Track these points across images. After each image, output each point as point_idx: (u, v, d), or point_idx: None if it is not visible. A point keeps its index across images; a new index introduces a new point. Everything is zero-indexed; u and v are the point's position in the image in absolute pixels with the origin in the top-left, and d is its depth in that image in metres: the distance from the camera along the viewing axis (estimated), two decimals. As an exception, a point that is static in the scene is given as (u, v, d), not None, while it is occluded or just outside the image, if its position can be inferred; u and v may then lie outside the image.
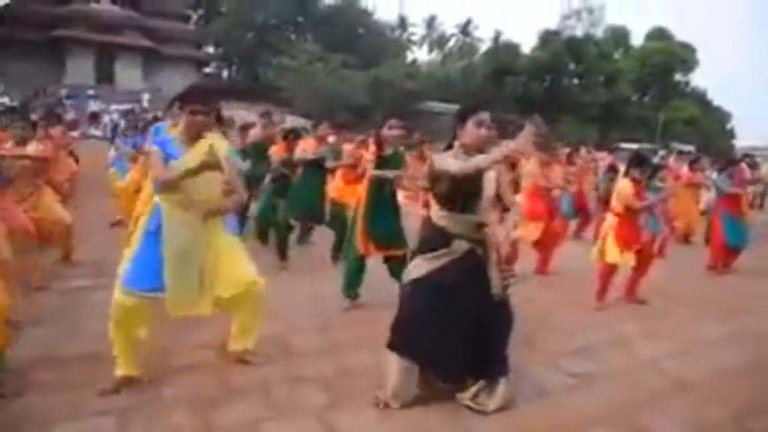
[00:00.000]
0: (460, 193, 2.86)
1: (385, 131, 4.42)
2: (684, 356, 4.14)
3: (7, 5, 31.01)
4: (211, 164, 2.89)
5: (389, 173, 4.33)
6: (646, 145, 28.88)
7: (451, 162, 2.79)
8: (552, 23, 47.33)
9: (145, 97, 30.62)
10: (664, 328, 4.73)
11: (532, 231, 6.08)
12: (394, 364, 3.00)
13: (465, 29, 52.61)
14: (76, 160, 9.67)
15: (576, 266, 6.21)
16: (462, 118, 2.92)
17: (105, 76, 31.33)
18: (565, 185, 6.85)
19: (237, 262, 3.15)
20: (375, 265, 4.59)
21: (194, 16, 41.14)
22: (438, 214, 2.97)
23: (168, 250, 2.92)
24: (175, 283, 2.94)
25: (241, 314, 3.30)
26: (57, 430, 2.67)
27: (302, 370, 3.41)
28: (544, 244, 6.23)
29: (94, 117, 22.51)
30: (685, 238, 9.01)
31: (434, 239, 2.97)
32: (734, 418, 3.22)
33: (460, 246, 2.90)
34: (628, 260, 5.12)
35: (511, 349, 3.28)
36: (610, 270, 5.14)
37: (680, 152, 12.34)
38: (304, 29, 44.15)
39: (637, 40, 47.44)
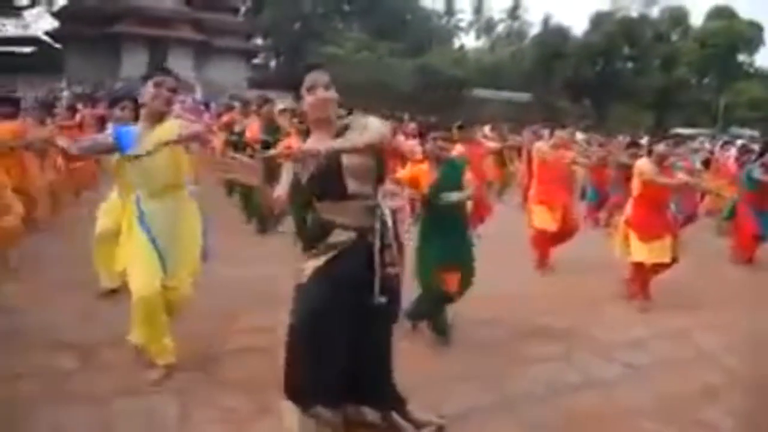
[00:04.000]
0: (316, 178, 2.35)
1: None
2: (739, 349, 4.00)
3: (68, 4, 32.24)
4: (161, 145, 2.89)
5: None
6: (705, 131, 27.70)
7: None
8: (604, 5, 45.78)
9: (198, 88, 31.34)
10: (719, 321, 4.56)
11: (550, 220, 5.61)
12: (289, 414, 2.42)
13: (513, 13, 51.52)
14: None
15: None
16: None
17: (159, 69, 32.17)
18: (583, 161, 6.56)
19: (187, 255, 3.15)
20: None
21: (243, 8, 41.72)
22: (318, 204, 2.47)
23: (157, 236, 2.99)
24: (170, 264, 3.02)
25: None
26: (116, 405, 2.80)
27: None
28: (561, 235, 5.71)
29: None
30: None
31: (315, 233, 2.46)
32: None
33: (339, 236, 2.37)
34: (659, 255, 4.64)
35: (561, 336, 3.25)
36: (638, 269, 4.79)
37: (743, 144, 11.36)
38: (351, 18, 44.22)
39: (696, 20, 45.32)
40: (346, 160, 2.28)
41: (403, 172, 3.86)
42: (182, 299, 3.15)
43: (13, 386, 2.91)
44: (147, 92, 2.96)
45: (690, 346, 4.02)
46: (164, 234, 3.01)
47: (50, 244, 5.70)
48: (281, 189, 2.53)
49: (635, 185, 4.83)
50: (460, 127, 6.40)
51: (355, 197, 2.34)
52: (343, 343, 2.36)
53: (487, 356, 3.58)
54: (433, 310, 3.75)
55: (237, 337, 3.59)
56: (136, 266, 2.98)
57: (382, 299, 2.31)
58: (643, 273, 4.79)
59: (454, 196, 3.49)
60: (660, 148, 4.71)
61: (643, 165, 4.73)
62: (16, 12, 30.19)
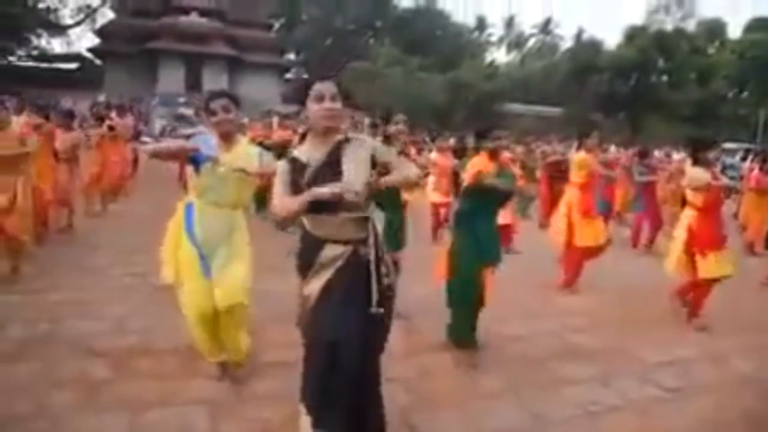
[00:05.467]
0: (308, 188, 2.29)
1: (391, 127, 4.28)
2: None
3: (109, 22, 33.35)
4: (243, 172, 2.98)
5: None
6: (745, 145, 26.95)
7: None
8: (638, 18, 45.17)
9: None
10: (760, 344, 4.38)
11: (590, 234, 5.38)
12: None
13: (545, 28, 51.30)
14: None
15: (661, 273, 5.88)
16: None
17: (194, 84, 32.88)
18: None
19: (238, 269, 3.11)
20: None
21: (276, 25, 42.49)
22: (306, 219, 2.42)
23: (204, 246, 3.01)
24: (218, 274, 3.03)
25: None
26: (149, 416, 2.83)
27: (385, 371, 3.41)
28: (598, 249, 5.52)
29: (182, 118, 23.76)
30: (751, 248, 8.10)
31: (307, 251, 2.42)
32: None
33: (333, 251, 2.34)
34: (724, 268, 4.49)
35: (598, 356, 3.16)
36: (708, 286, 4.58)
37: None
38: (382, 33, 44.57)
39: (734, 33, 44.38)
40: (347, 175, 2.28)
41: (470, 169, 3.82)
42: (234, 309, 3.09)
43: (48, 394, 2.97)
44: (210, 119, 3.05)
45: (730, 370, 3.88)
46: (213, 242, 3.03)
47: (89, 253, 5.84)
48: (286, 200, 2.33)
49: (691, 198, 4.62)
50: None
51: (348, 210, 2.29)
52: (355, 363, 2.31)
53: (522, 375, 3.52)
54: (467, 319, 3.76)
55: (267, 350, 3.60)
56: (185, 282, 3.06)
57: (381, 310, 2.28)
58: (703, 289, 4.63)
59: (498, 182, 3.58)
60: (710, 155, 4.56)
61: (696, 173, 4.54)
62: (61, 31, 31.38)
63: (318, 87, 2.32)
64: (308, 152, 2.36)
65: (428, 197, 7.56)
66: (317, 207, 2.23)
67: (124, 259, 5.74)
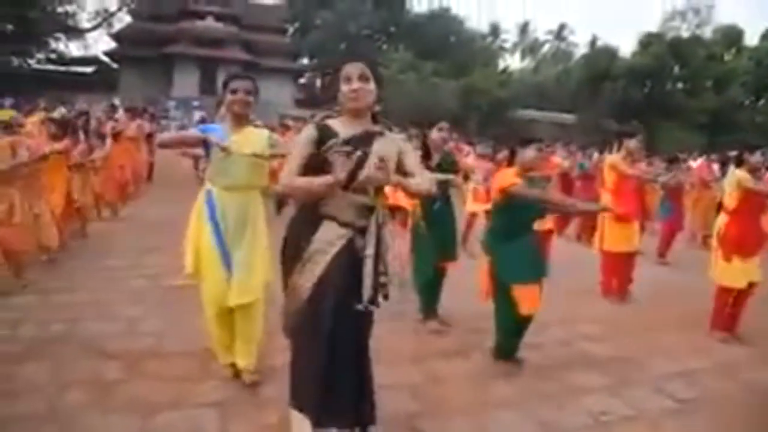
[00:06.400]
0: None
1: (434, 134, 4.19)
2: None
3: (126, 26, 33.77)
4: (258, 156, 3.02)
5: (442, 177, 3.98)
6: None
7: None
8: (653, 26, 44.80)
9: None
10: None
11: (620, 239, 5.25)
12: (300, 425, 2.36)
13: (559, 34, 51.14)
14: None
15: (677, 281, 5.82)
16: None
17: (208, 88, 33.18)
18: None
19: (256, 265, 3.11)
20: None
21: (291, 29, 42.72)
22: None
23: (225, 234, 3.02)
24: (236, 270, 3.03)
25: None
26: (159, 419, 2.84)
27: (390, 378, 3.41)
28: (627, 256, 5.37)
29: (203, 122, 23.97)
30: None
31: (298, 232, 2.32)
32: None
33: (329, 232, 2.25)
34: (756, 273, 4.36)
35: (610, 365, 3.11)
36: (727, 295, 4.48)
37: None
38: (396, 39, 44.64)
39: (751, 39, 43.92)
40: (377, 154, 2.19)
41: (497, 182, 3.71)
42: (251, 306, 3.11)
43: (60, 394, 3.00)
44: (225, 99, 3.05)
45: (743, 381, 3.82)
46: (233, 230, 3.03)
47: (101, 256, 5.90)
48: (304, 180, 2.23)
49: (729, 201, 4.49)
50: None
51: (357, 190, 2.21)
52: (353, 356, 2.31)
53: (532, 383, 3.49)
54: (512, 337, 3.66)
55: (277, 354, 3.60)
56: (206, 275, 3.07)
57: (371, 306, 2.21)
58: (742, 298, 4.49)
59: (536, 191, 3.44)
60: (755, 157, 4.43)
61: (741, 174, 4.40)
62: (79, 34, 31.84)
63: (347, 68, 2.25)
64: (339, 125, 2.29)
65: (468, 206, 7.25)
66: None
67: (136, 261, 5.80)
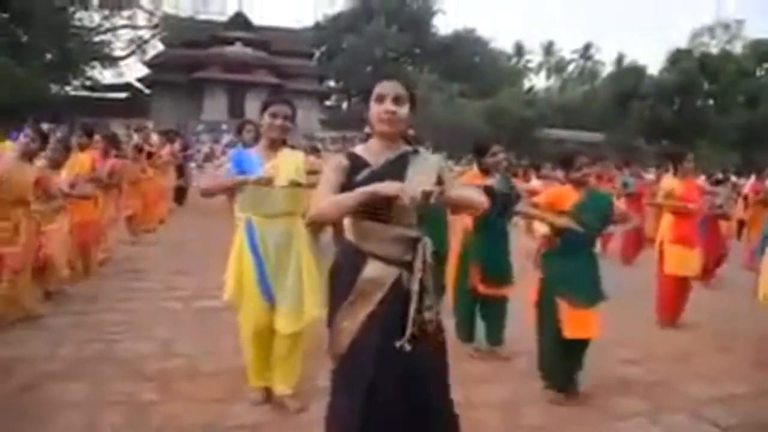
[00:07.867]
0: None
1: (489, 158, 4.13)
2: None
3: (159, 53, 34.81)
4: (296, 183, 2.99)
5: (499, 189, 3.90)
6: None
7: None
8: (681, 42, 44.21)
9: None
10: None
11: (685, 261, 5.06)
12: None
13: (585, 53, 50.97)
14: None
15: (710, 302, 5.65)
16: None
17: (237, 112, 33.84)
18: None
19: (307, 291, 3.08)
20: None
21: (317, 53, 43.45)
22: (348, 224, 2.12)
23: (267, 262, 3.01)
24: (282, 298, 3.02)
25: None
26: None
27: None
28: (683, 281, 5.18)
29: (232, 146, 24.48)
30: None
31: (345, 268, 2.10)
32: None
33: (376, 272, 2.02)
34: None
35: (648, 389, 3.02)
36: None
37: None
38: (421, 60, 45.05)
39: (783, 55, 43.06)
40: (412, 177, 2.01)
41: (541, 196, 3.70)
42: (296, 334, 3.08)
43: (97, 415, 3.04)
44: (264, 123, 3.06)
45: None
46: (274, 258, 3.01)
47: (134, 278, 6.01)
48: (337, 196, 2.02)
49: None
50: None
51: (402, 223, 2.01)
52: (401, 419, 1.99)
53: (566, 409, 3.41)
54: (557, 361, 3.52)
55: (309, 377, 3.59)
56: (246, 303, 3.08)
57: (408, 347, 1.92)
58: None
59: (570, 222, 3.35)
60: None
61: None
62: (113, 62, 32.92)
63: (380, 86, 2.06)
64: (370, 153, 2.11)
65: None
66: (372, 211, 1.97)
67: (168, 283, 5.88)
